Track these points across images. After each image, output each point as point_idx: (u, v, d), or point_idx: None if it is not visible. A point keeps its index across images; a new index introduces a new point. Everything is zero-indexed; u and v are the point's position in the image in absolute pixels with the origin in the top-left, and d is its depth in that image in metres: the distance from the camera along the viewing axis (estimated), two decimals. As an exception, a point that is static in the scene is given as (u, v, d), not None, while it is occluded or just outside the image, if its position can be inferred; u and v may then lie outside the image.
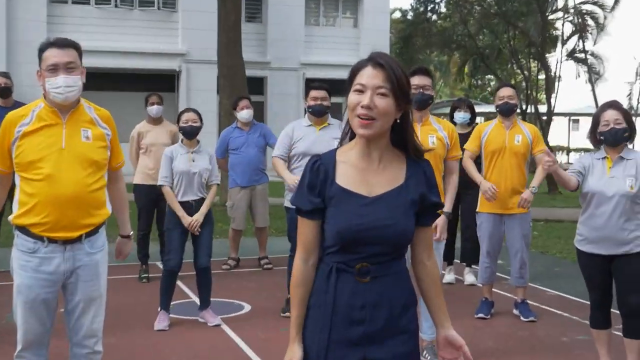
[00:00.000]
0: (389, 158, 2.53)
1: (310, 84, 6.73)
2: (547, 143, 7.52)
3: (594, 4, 21.07)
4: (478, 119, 10.15)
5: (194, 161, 6.28)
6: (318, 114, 6.48)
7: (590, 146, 5.24)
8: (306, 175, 2.53)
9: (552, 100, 20.18)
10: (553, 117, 20.31)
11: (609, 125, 4.73)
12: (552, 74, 20.68)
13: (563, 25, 22.45)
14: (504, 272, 7.93)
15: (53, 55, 3.68)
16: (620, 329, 4.94)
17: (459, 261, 8.43)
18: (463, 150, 5.98)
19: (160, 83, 21.15)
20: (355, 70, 2.48)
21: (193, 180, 6.25)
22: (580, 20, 21.21)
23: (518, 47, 22.45)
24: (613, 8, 20.97)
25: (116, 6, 22.15)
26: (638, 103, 21.86)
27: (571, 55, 21.94)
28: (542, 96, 29.31)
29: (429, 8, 24.40)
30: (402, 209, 2.48)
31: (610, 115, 4.75)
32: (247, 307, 6.97)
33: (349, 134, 2.57)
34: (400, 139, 2.53)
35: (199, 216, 6.20)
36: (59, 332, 4.17)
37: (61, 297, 3.84)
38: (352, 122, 2.46)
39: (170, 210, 6.27)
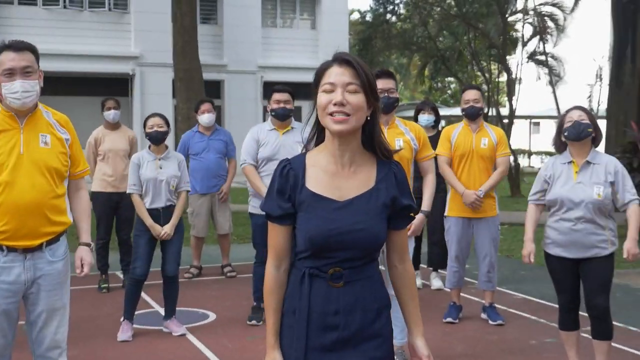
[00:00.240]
0: (360, 161, 2.50)
1: (273, 86, 6.63)
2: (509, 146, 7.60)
3: (554, 5, 21.35)
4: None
5: (161, 168, 6.13)
6: (281, 117, 6.40)
7: (551, 150, 5.27)
8: (275, 180, 2.50)
9: (513, 103, 20.39)
10: (514, 120, 20.51)
11: (572, 120, 4.73)
12: (513, 76, 20.89)
13: (523, 27, 22.74)
14: (471, 277, 7.92)
15: (9, 59, 3.56)
16: (588, 331, 4.95)
17: (425, 266, 8.40)
18: None
19: (114, 87, 20.80)
20: (321, 72, 2.46)
21: (160, 188, 6.09)
22: (540, 22, 21.48)
23: (479, 49, 22.63)
24: (572, 10, 21.27)
25: (65, 7, 21.68)
26: (598, 105, 22.22)
27: (532, 57, 22.20)
28: (503, 99, 29.66)
29: (388, 9, 24.44)
30: (374, 213, 2.46)
31: (575, 113, 4.77)
32: (212, 316, 6.84)
33: (314, 139, 2.55)
34: (370, 139, 2.51)
35: (168, 228, 6.05)
36: (21, 345, 4.02)
37: (22, 308, 3.71)
38: (325, 122, 2.43)
39: (139, 217, 6.13)
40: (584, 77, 26.81)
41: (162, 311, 6.44)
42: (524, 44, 22.30)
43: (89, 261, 3.86)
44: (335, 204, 2.44)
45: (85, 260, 3.83)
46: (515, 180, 18.52)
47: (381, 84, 5.18)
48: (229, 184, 8.57)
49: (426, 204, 5.36)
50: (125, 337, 6.00)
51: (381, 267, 2.67)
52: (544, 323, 6.56)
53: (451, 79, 30.43)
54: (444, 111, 26.62)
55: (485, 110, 21.03)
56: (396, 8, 24.55)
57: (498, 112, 20.70)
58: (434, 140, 6.76)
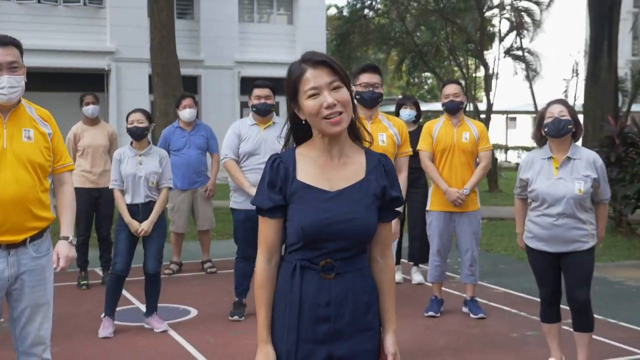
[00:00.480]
0: (349, 153, 2.53)
1: (254, 82, 6.61)
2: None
3: (530, 0, 21.48)
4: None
5: (141, 164, 6.09)
6: (262, 112, 6.40)
7: (527, 144, 5.30)
8: (266, 174, 2.51)
9: (490, 98, 20.48)
10: (491, 116, 20.60)
11: (553, 116, 4.75)
12: (490, 71, 20.97)
13: (500, 22, 22.80)
14: (452, 271, 7.95)
15: None
16: (569, 324, 4.99)
17: (406, 260, 8.42)
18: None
19: (89, 82, 20.55)
20: (297, 78, 2.46)
21: (139, 184, 6.05)
22: (516, 17, 21.58)
23: (456, 44, 22.68)
24: (549, 5, 21.39)
25: (39, 2, 21.38)
26: (575, 100, 22.38)
27: (508, 52, 22.30)
28: (480, 94, 29.76)
29: (365, 4, 24.41)
30: (365, 203, 2.48)
31: (556, 108, 4.78)
32: (193, 312, 6.81)
33: (290, 140, 2.57)
34: (353, 129, 2.54)
35: (146, 225, 6.00)
36: (3, 343, 3.98)
37: (5, 305, 3.68)
38: (321, 126, 2.44)
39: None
40: (561, 72, 26.98)
41: (143, 307, 6.40)
42: (501, 39, 22.41)
43: (65, 254, 3.71)
44: (327, 194, 2.46)
45: (61, 254, 3.71)
46: (494, 175, 18.64)
47: (366, 78, 5.18)
48: (213, 181, 8.54)
49: None
50: (107, 334, 5.95)
51: None
52: (524, 316, 6.61)
53: (428, 74, 30.48)
54: (421, 106, 26.66)
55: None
56: (374, 3, 24.52)
57: (476, 107, 20.78)
58: (415, 135, 6.77)
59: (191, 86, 21.17)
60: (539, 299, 5.11)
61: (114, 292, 6.06)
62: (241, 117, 21.30)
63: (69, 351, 5.60)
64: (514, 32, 22.07)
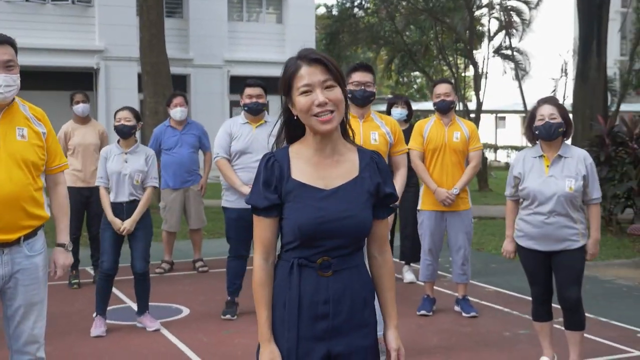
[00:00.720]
0: (341, 151, 2.55)
1: (246, 81, 6.61)
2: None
3: (519, 0, 21.59)
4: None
5: (126, 162, 6.07)
6: (254, 112, 6.41)
7: (516, 144, 5.31)
8: (261, 173, 2.52)
9: (480, 98, 20.53)
10: (480, 115, 20.65)
11: (543, 119, 4.76)
12: (480, 71, 21.02)
13: (489, 21, 22.88)
14: (443, 270, 7.97)
15: None
16: (561, 322, 5.01)
17: (397, 259, 8.43)
18: None
19: (78, 81, 20.46)
20: (291, 74, 2.49)
21: (124, 182, 6.04)
22: (505, 16, 21.65)
23: (445, 43, 22.73)
24: (537, 4, 21.47)
25: (27, 0, 21.31)
26: (564, 99, 22.45)
27: (498, 51, 22.38)
28: (469, 93, 29.80)
29: (355, 3, 24.40)
30: (360, 201, 2.50)
31: (546, 110, 4.78)
32: (185, 311, 6.80)
33: (283, 136, 2.59)
34: (344, 127, 2.56)
35: (128, 224, 5.98)
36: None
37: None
38: (311, 123, 2.46)
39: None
40: (549, 71, 27.08)
41: (135, 306, 6.38)
42: (490, 39, 22.48)
43: (62, 263, 3.85)
44: (322, 192, 2.48)
45: (58, 264, 3.84)
46: (483, 174, 18.69)
47: (358, 76, 5.19)
48: (206, 179, 8.53)
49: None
50: (99, 333, 5.94)
51: None
52: (516, 315, 6.63)
53: (417, 73, 30.52)
54: (410, 106, 26.68)
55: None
56: (363, 2, 24.53)
57: (465, 106, 20.84)
58: (406, 134, 6.77)
59: (180, 85, 21.14)
60: (530, 298, 5.12)
61: (103, 291, 6.04)
62: (231, 116, 21.30)
63: (62, 350, 5.58)
64: (503, 32, 22.17)
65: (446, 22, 21.40)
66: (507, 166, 25.24)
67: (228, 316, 6.44)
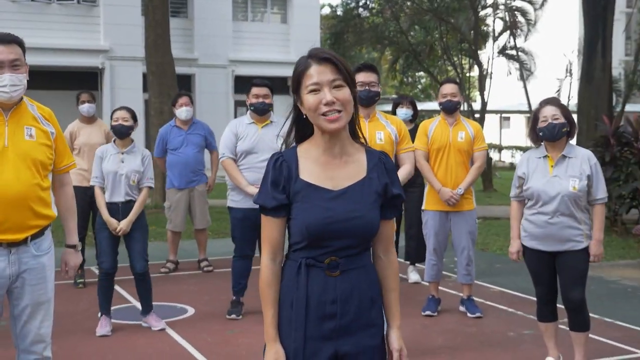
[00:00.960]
0: (350, 151, 2.55)
1: (252, 80, 6.61)
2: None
3: (524, 0, 21.57)
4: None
5: (122, 162, 6.08)
6: (260, 111, 6.42)
7: (521, 144, 5.31)
8: (269, 173, 2.53)
9: (485, 98, 20.51)
10: (485, 115, 20.64)
11: (547, 120, 4.76)
12: (484, 71, 21.01)
13: (494, 21, 22.87)
14: (448, 270, 7.97)
15: None
16: (566, 323, 5.00)
17: (402, 260, 8.44)
18: None
19: (83, 81, 20.51)
20: (301, 72, 2.50)
21: (120, 182, 6.04)
22: (510, 16, 21.64)
23: (450, 43, 22.73)
24: (542, 4, 21.45)
25: (32, 0, 21.35)
26: (569, 99, 22.43)
27: (502, 52, 22.37)
28: (474, 94, 29.78)
29: (359, 4, 24.42)
30: (368, 201, 2.51)
31: (549, 111, 4.79)
32: (190, 311, 6.81)
33: (293, 134, 2.60)
34: (352, 124, 2.57)
35: (124, 224, 5.99)
36: (4, 341, 3.98)
37: (5, 303, 3.68)
38: (318, 122, 2.47)
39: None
40: (554, 71, 27.05)
41: (139, 306, 6.39)
42: (495, 39, 22.47)
43: (72, 265, 3.93)
44: (330, 193, 2.49)
45: (69, 265, 3.91)
46: (488, 174, 18.68)
47: (363, 77, 5.23)
48: (213, 178, 8.55)
49: None
50: (104, 332, 5.95)
51: None
52: (521, 315, 6.63)
53: (422, 73, 30.52)
54: (414, 106, 26.68)
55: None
56: (368, 2, 24.55)
57: (470, 106, 20.83)
58: (412, 135, 6.76)
59: (185, 85, 21.16)
60: (535, 298, 5.13)
61: (105, 290, 6.06)
62: (235, 116, 21.31)
63: (68, 349, 5.59)
64: (508, 32, 22.16)
65: (451, 22, 21.41)
66: (511, 166, 25.23)
67: (233, 316, 6.45)
